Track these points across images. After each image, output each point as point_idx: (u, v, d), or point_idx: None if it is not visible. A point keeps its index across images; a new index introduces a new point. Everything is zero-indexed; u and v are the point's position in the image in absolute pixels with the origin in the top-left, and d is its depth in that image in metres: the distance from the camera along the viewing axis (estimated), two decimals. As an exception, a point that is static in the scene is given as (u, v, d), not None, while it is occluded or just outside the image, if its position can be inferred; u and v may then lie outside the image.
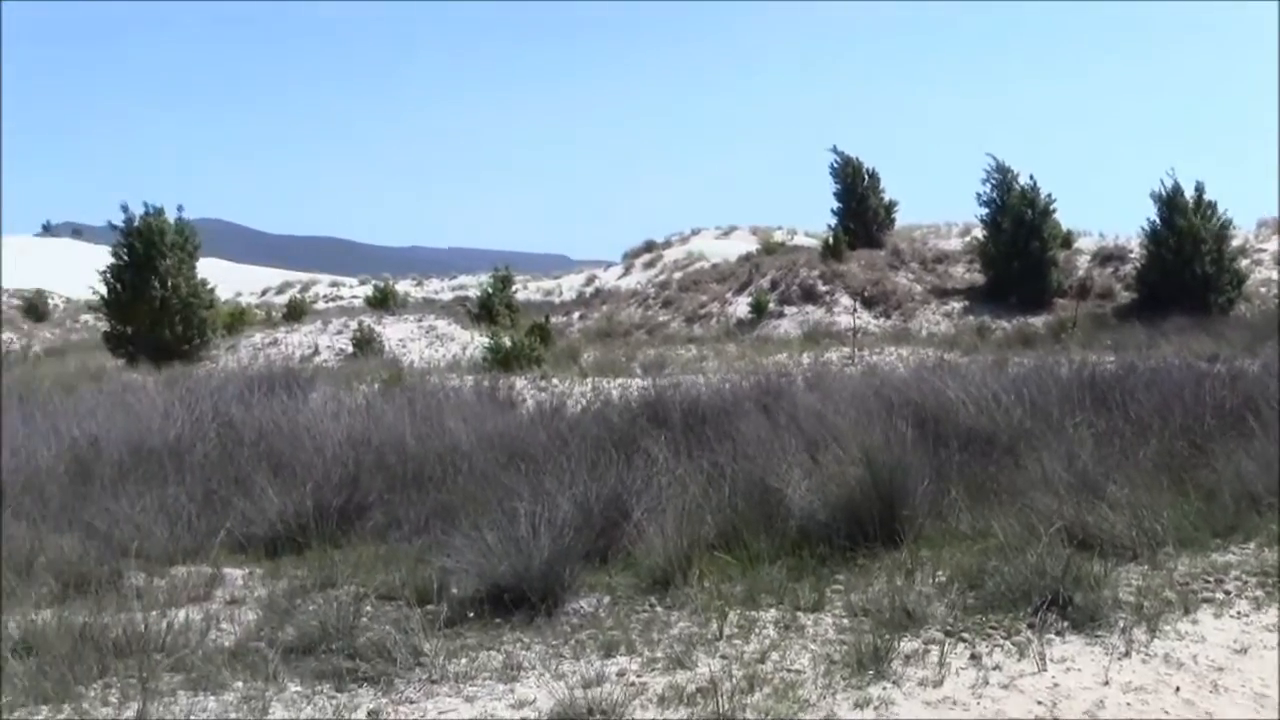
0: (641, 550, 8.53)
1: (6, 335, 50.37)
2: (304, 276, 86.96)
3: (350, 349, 31.41)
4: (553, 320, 36.41)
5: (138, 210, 33.49)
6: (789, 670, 6.56)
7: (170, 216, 33.70)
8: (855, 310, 39.01)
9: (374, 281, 65.56)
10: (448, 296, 59.63)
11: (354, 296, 62.17)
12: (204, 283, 33.81)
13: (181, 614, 7.79)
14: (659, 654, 6.97)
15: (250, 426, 13.16)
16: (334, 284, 73.82)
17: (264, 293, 70.99)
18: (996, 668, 6.41)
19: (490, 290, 40.34)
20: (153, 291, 32.36)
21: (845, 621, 7.36)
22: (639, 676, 6.64)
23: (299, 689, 6.60)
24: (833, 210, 48.80)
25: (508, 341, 25.28)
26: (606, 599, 8.04)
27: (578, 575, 8.06)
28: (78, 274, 74.58)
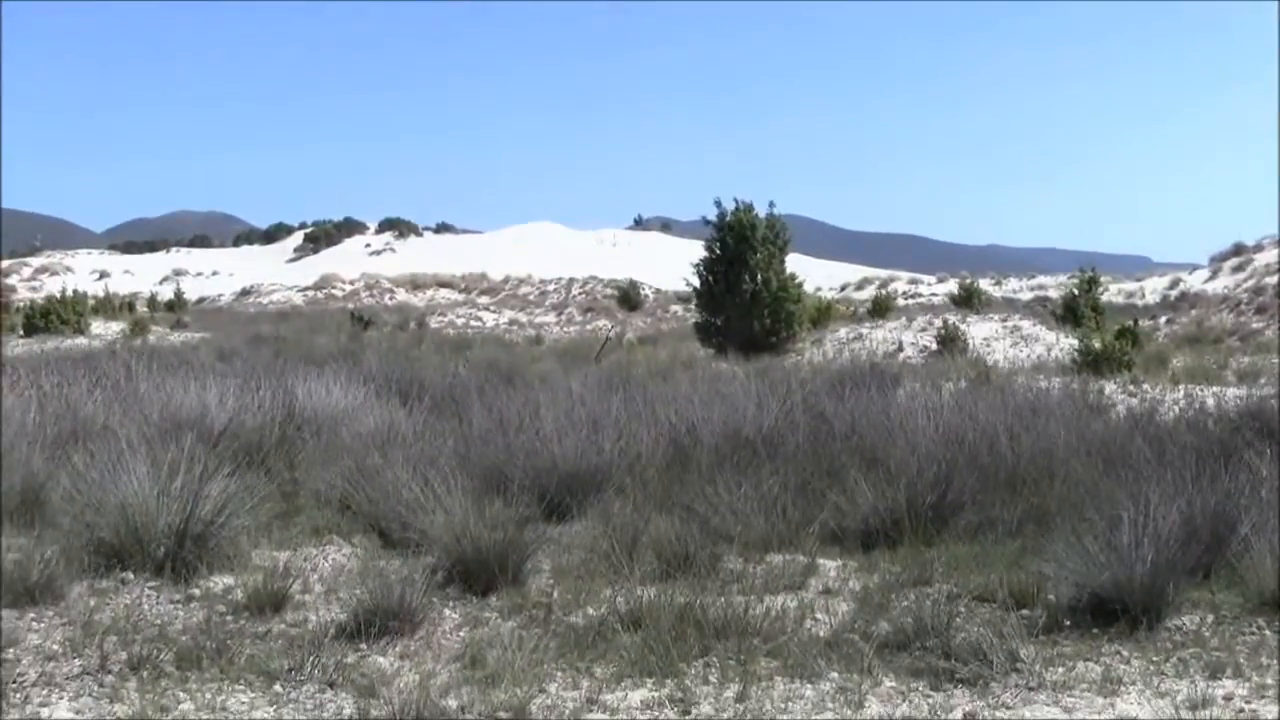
0: (1248, 568, 8.07)
1: (603, 322, 53.06)
2: (883, 273, 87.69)
3: (934, 346, 31.35)
4: (1139, 324, 35.09)
5: (729, 205, 34.55)
6: None
7: (760, 212, 34.59)
8: None
9: (953, 279, 65.31)
10: (1026, 296, 58.75)
11: (932, 294, 62.14)
12: (793, 277, 34.50)
13: (778, 601, 7.97)
14: (1269, 680, 6.60)
15: (842, 419, 13.31)
16: (912, 280, 74.15)
17: (843, 288, 72.07)
18: None
19: (1075, 291, 39.34)
20: (744, 285, 33.28)
21: None
22: (1248, 703, 6.31)
23: (893, 684, 6.63)
24: None
25: (1097, 344, 24.57)
26: (1210, 617, 7.67)
27: (1181, 590, 7.72)
28: (666, 266, 78.00)
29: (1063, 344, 30.09)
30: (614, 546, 9.01)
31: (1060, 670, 6.77)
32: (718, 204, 34.55)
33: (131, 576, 8.30)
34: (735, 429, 12.75)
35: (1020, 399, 15.14)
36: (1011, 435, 11.93)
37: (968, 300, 45.52)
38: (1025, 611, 7.74)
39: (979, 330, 33.19)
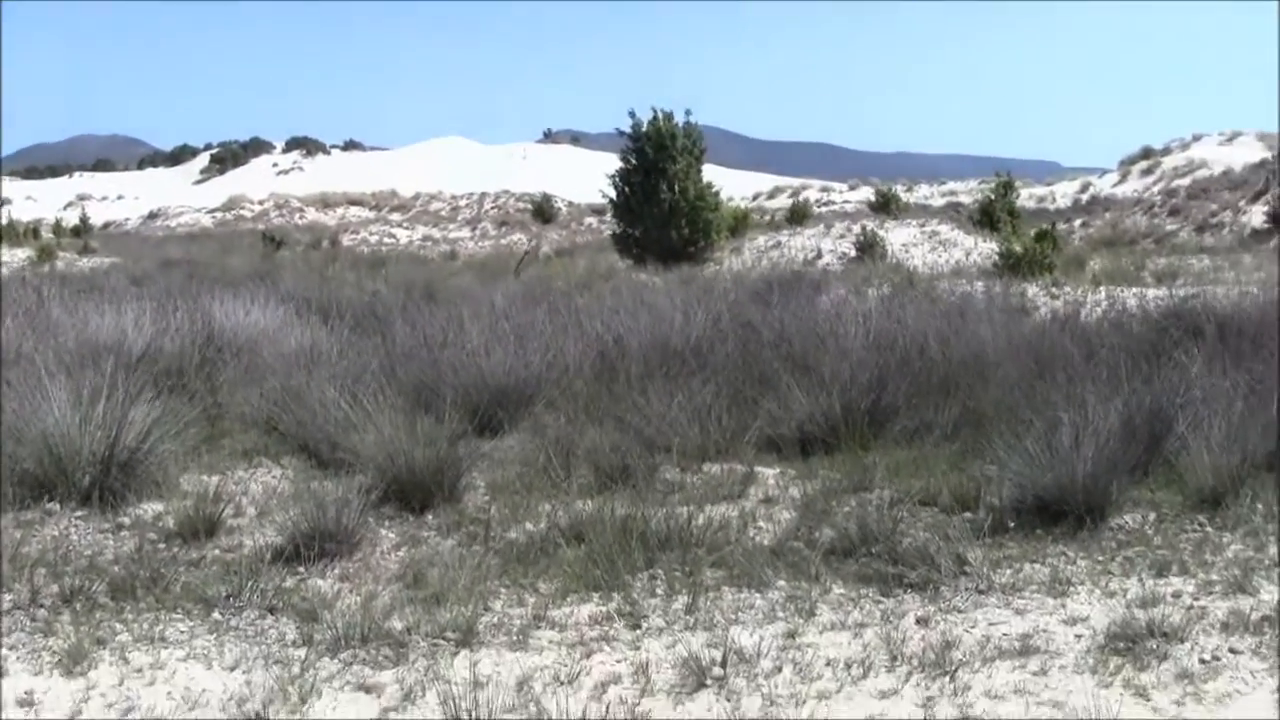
0: (1186, 465, 8.08)
1: (517, 236, 52.74)
2: (794, 182, 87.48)
3: (853, 253, 31.32)
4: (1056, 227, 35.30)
5: (646, 115, 34.24)
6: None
7: (678, 121, 34.30)
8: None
9: (865, 186, 65.48)
10: (939, 202, 59.03)
11: (845, 202, 62.30)
12: (709, 185, 34.35)
13: (719, 510, 7.89)
14: (1214, 577, 6.62)
15: (770, 327, 13.24)
16: (824, 189, 74.11)
17: (755, 198, 71.85)
18: None
19: (991, 196, 39.46)
20: (661, 195, 33.11)
21: None
22: (1196, 600, 6.31)
23: (843, 591, 6.58)
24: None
25: (1018, 247, 24.65)
26: (1152, 515, 7.67)
27: (1123, 489, 7.71)
28: (578, 179, 77.69)
29: (981, 248, 30.22)
30: (549, 459, 8.90)
31: (1008, 572, 6.75)
32: (632, 114, 34.29)
33: (58, 507, 8.07)
34: (662, 339, 12.64)
35: (946, 303, 15.15)
36: (941, 339, 11.92)
37: (885, 206, 45.49)
38: (968, 515, 7.70)
39: (897, 236, 33.21)
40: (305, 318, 15.36)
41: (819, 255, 32.28)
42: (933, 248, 32.16)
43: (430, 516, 8.03)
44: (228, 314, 14.44)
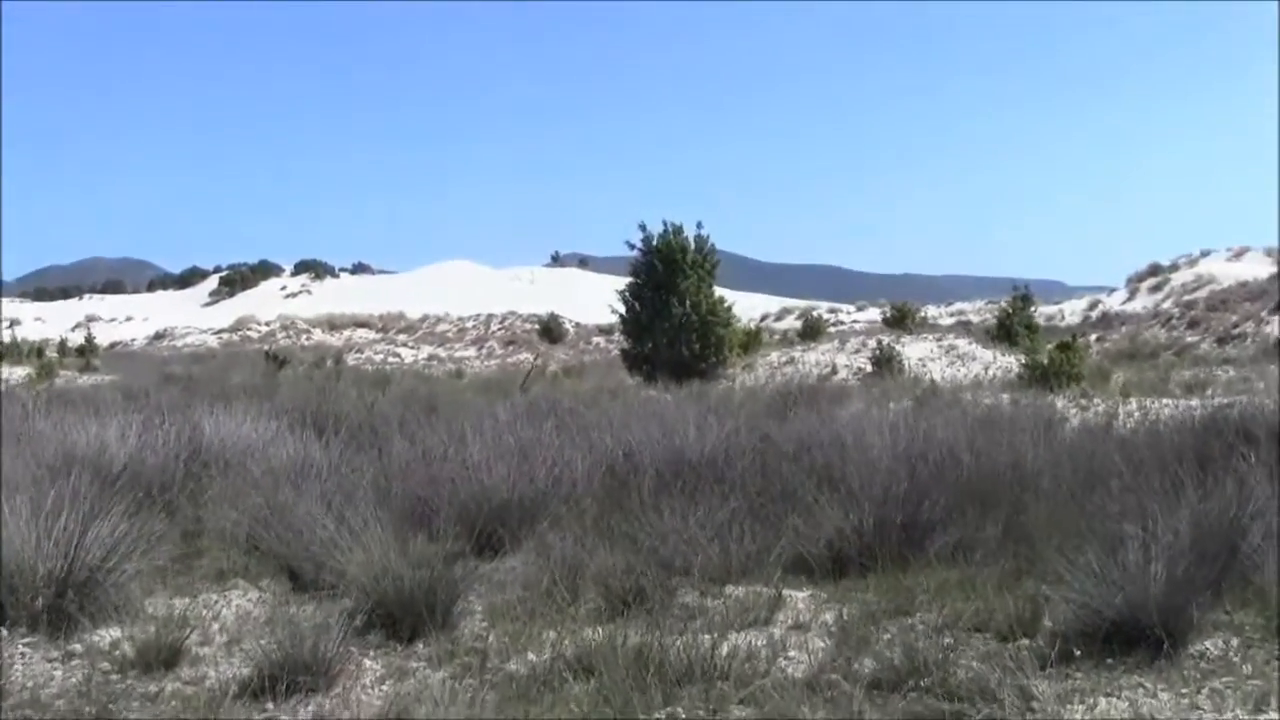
0: (1266, 583, 7.23)
1: (524, 355, 52.24)
2: (801, 303, 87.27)
3: (869, 368, 30.60)
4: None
5: (656, 229, 33.63)
6: None
7: (688, 235, 33.67)
8: None
9: (873, 307, 65.22)
10: (947, 322, 58.61)
11: (854, 322, 61.92)
12: (721, 300, 33.69)
13: (744, 639, 7.02)
14: (1316, 711, 5.74)
15: (790, 439, 12.42)
16: (832, 310, 73.92)
17: (763, 318, 71.53)
18: None
19: (1010, 309, 38.94)
20: (672, 309, 32.45)
21: None
22: (1300, 738, 5.44)
23: (890, 730, 5.71)
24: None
25: (1044, 358, 23.94)
26: (1234, 640, 6.79)
27: (1202, 611, 6.84)
28: (585, 301, 77.58)
29: (1000, 361, 29.62)
30: (555, 582, 8.04)
31: (1081, 709, 5.87)
32: (643, 227, 33.72)
33: (4, 633, 7.25)
34: (676, 453, 11.83)
35: (975, 414, 14.33)
36: (973, 450, 11.06)
37: (900, 321, 44.65)
38: (1026, 642, 6.82)
39: (914, 350, 32.52)
40: (299, 432, 14.55)
41: (834, 371, 31.55)
42: (950, 362, 31.48)
43: (420, 645, 7.17)
44: (217, 426, 13.67)
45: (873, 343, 33.18)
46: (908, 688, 6.12)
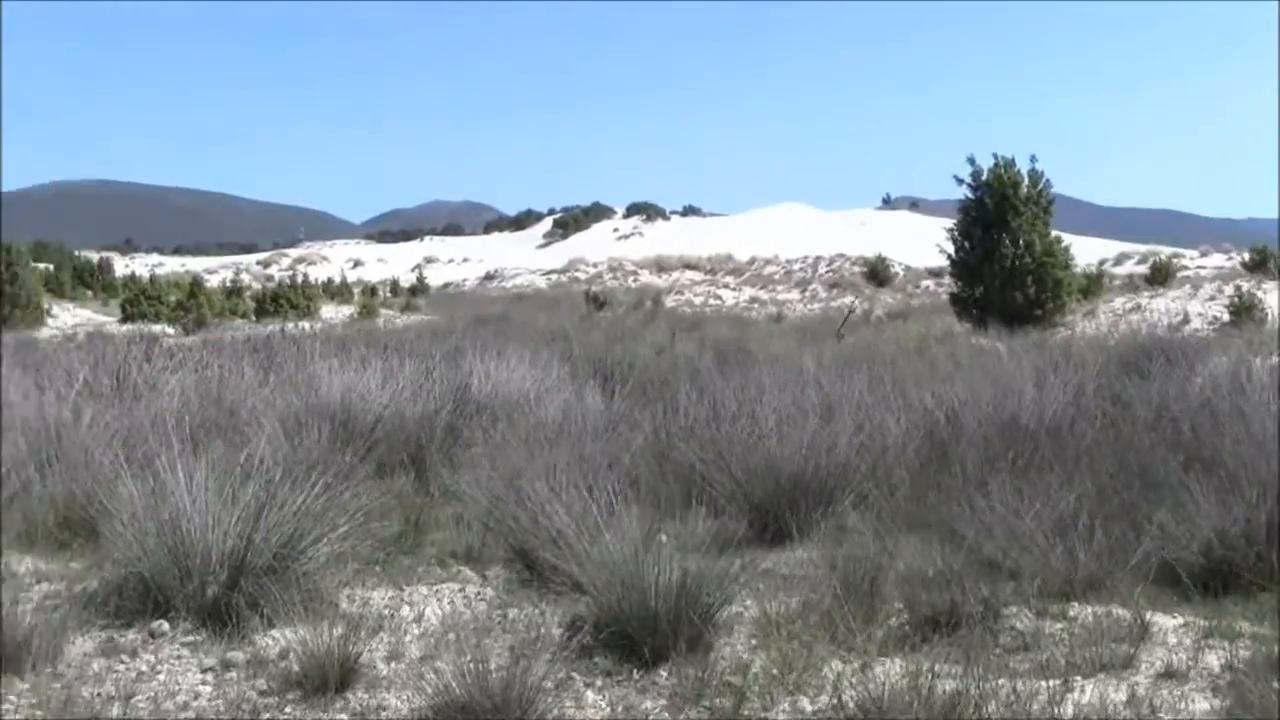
0: None
1: (849, 298, 50.37)
2: (1141, 248, 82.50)
3: (1225, 317, 27.70)
4: None
5: (985, 164, 31.28)
6: None
7: (1021, 169, 31.25)
8: None
9: (1217, 253, 61.00)
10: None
11: (1199, 268, 57.89)
12: (1058, 240, 31.10)
13: (1092, 690, 5.11)
14: None
15: (1146, 404, 10.35)
16: (1174, 255, 69.50)
17: (1100, 263, 67.76)
18: None
19: None
20: (1004, 250, 30.10)
21: None
22: None
23: None
24: None
25: None
26: None
27: None
28: (916, 244, 75.15)
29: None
30: (848, 588, 6.22)
31: None
32: (971, 161, 31.42)
33: (166, 628, 5.92)
34: (1009, 418, 9.86)
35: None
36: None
37: (1262, 264, 40.21)
38: None
39: (1277, 298, 29.39)
40: (582, 381, 13.11)
41: (1185, 319, 28.77)
42: (1326, 309, 28.25)
43: (663, 672, 5.49)
44: (489, 374, 12.31)
45: (1229, 289, 30.12)
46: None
